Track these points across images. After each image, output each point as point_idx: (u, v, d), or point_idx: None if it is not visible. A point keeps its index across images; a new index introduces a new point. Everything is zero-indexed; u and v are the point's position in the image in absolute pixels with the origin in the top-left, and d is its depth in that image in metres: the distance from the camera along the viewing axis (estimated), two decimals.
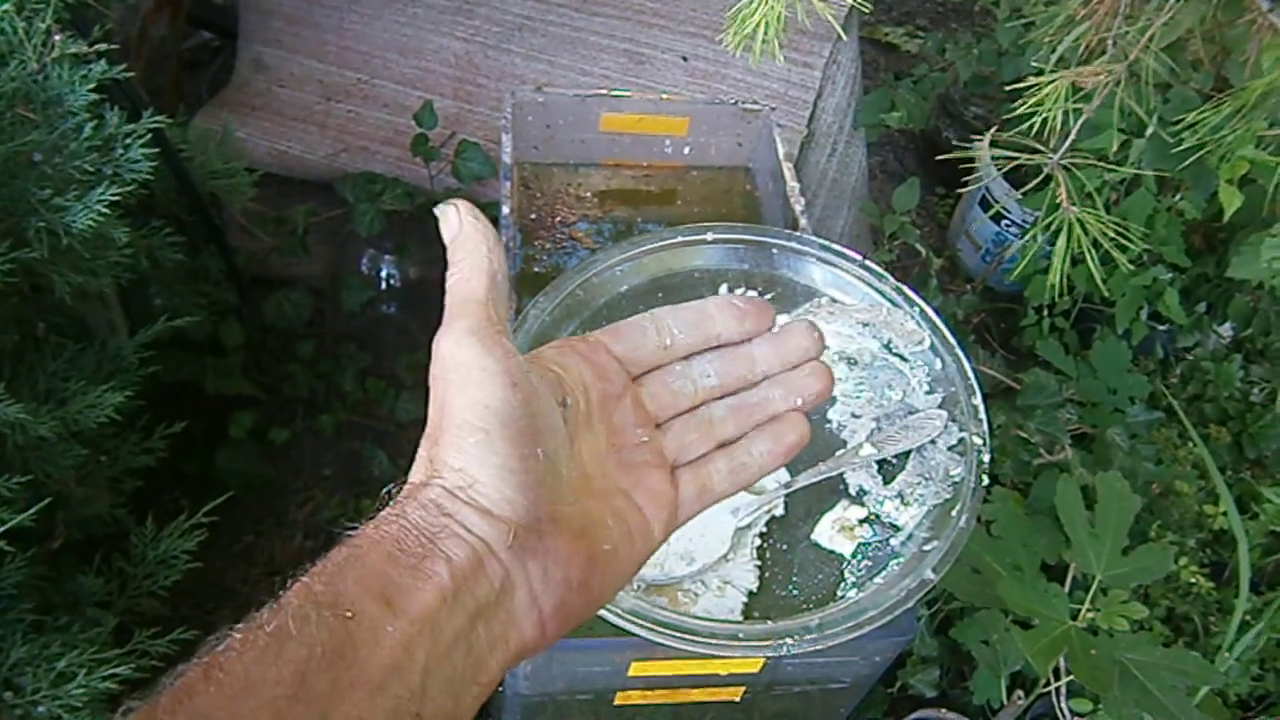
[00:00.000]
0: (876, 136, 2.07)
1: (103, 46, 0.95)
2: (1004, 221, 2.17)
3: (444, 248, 0.51)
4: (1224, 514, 1.41)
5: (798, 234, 0.96)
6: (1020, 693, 1.25)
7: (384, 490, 0.43)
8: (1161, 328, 1.90)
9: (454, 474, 0.41)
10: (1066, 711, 1.41)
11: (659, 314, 0.52)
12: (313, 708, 0.35)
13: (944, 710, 1.56)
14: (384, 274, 1.92)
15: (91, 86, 0.91)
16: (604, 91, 1.12)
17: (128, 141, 0.94)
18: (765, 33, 0.86)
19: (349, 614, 0.37)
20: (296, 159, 1.92)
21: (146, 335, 1.19)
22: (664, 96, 1.10)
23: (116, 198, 0.91)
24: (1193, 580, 1.39)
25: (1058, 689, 1.36)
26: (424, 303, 2.01)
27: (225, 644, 0.36)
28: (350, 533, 0.40)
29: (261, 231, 1.59)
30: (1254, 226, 1.61)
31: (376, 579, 0.38)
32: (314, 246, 1.87)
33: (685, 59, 1.84)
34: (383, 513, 0.41)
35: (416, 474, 0.43)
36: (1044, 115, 0.90)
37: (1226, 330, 1.97)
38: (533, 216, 1.12)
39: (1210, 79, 1.64)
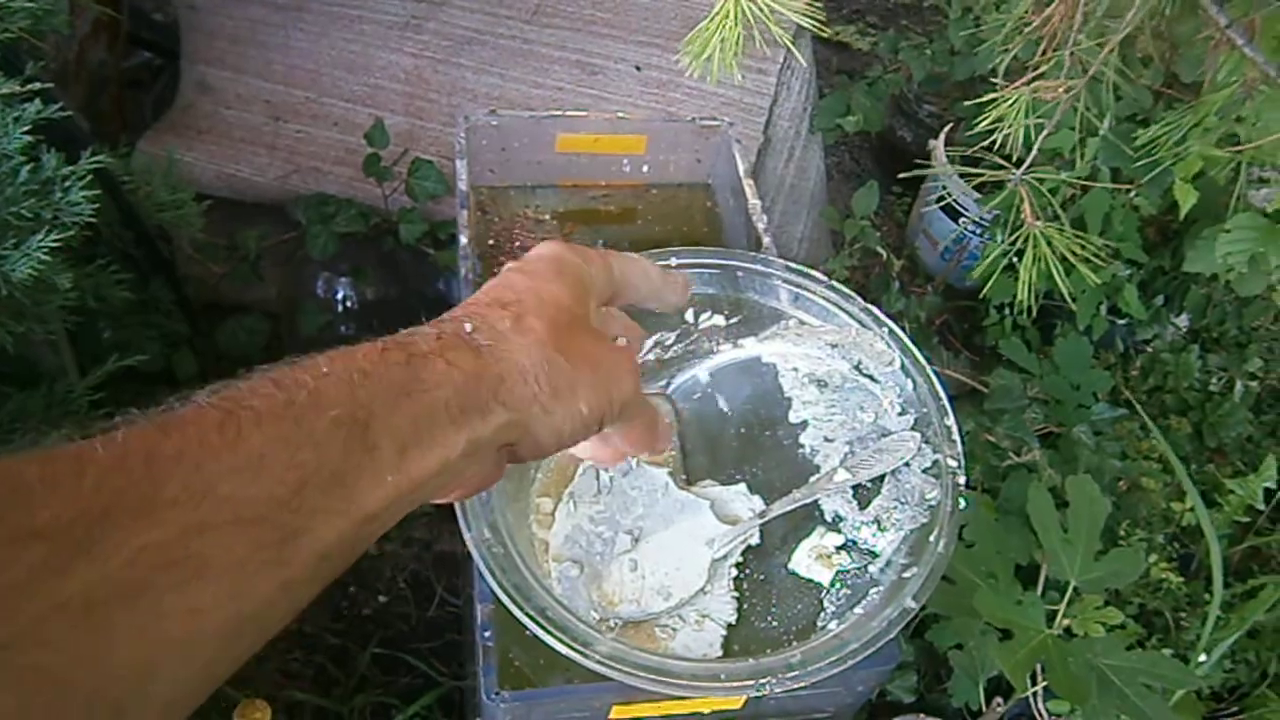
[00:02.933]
0: (831, 140, 2.06)
1: (36, 85, 0.91)
2: (961, 219, 2.17)
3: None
4: (1191, 509, 1.42)
5: (763, 256, 0.95)
6: (999, 699, 1.25)
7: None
8: (1121, 322, 1.91)
9: None
10: (1044, 713, 1.41)
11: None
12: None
13: (923, 715, 1.56)
14: (340, 296, 1.89)
15: (25, 129, 0.88)
16: (559, 112, 1.10)
17: (67, 184, 0.91)
18: (722, 53, 0.85)
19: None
20: (246, 182, 1.88)
21: (97, 375, 1.15)
22: (620, 115, 1.08)
23: (57, 243, 0.88)
24: (1163, 577, 1.40)
25: (1035, 692, 1.36)
26: (382, 323, 1.97)
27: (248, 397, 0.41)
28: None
29: (212, 259, 1.55)
30: (1207, 220, 1.63)
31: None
32: (267, 270, 1.84)
33: (638, 69, 1.82)
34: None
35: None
36: (1004, 131, 0.90)
37: (1184, 321, 1.99)
38: (491, 242, 1.09)
39: (1160, 75, 1.66)
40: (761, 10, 0.75)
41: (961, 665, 1.34)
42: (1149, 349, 1.93)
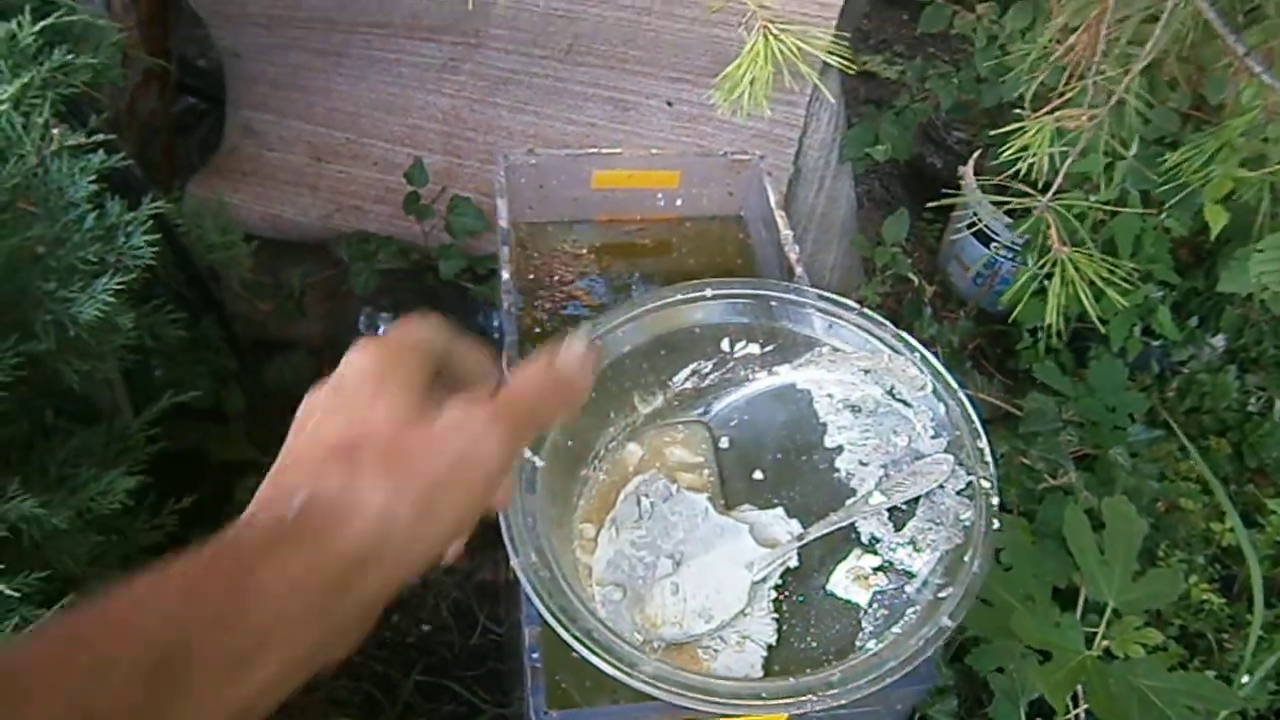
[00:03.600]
0: (862, 169, 2.09)
1: (100, 137, 0.96)
2: (992, 244, 2.18)
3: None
4: (1231, 530, 1.42)
5: (795, 285, 0.97)
6: None
7: None
8: (1155, 343, 1.91)
9: None
10: None
11: None
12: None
13: None
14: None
15: (92, 178, 0.93)
16: (594, 150, 1.14)
17: (129, 229, 0.96)
18: (752, 91, 0.88)
19: None
20: (290, 222, 1.94)
21: (152, 412, 1.19)
22: (654, 151, 1.12)
23: (121, 286, 0.92)
24: (1204, 598, 1.39)
25: (1076, 715, 1.36)
26: None
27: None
28: None
29: (259, 297, 1.60)
30: (1240, 240, 1.63)
31: None
32: (311, 307, 1.89)
33: (670, 104, 1.86)
34: None
35: None
36: (1029, 160, 0.92)
37: (1220, 342, 1.99)
38: (530, 277, 1.13)
39: (1188, 98, 1.67)
40: (790, 50, 0.78)
41: (1002, 689, 1.35)
42: (1185, 370, 1.93)
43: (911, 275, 1.89)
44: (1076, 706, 1.33)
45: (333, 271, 1.91)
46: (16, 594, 0.78)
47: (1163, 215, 1.73)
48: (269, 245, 1.88)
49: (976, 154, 2.22)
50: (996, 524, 0.80)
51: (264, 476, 0.54)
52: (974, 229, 2.21)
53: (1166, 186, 1.49)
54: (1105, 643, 1.12)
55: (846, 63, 0.80)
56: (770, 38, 0.78)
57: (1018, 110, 1.98)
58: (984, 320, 2.20)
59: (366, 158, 1.97)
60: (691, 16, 1.73)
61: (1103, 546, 1.17)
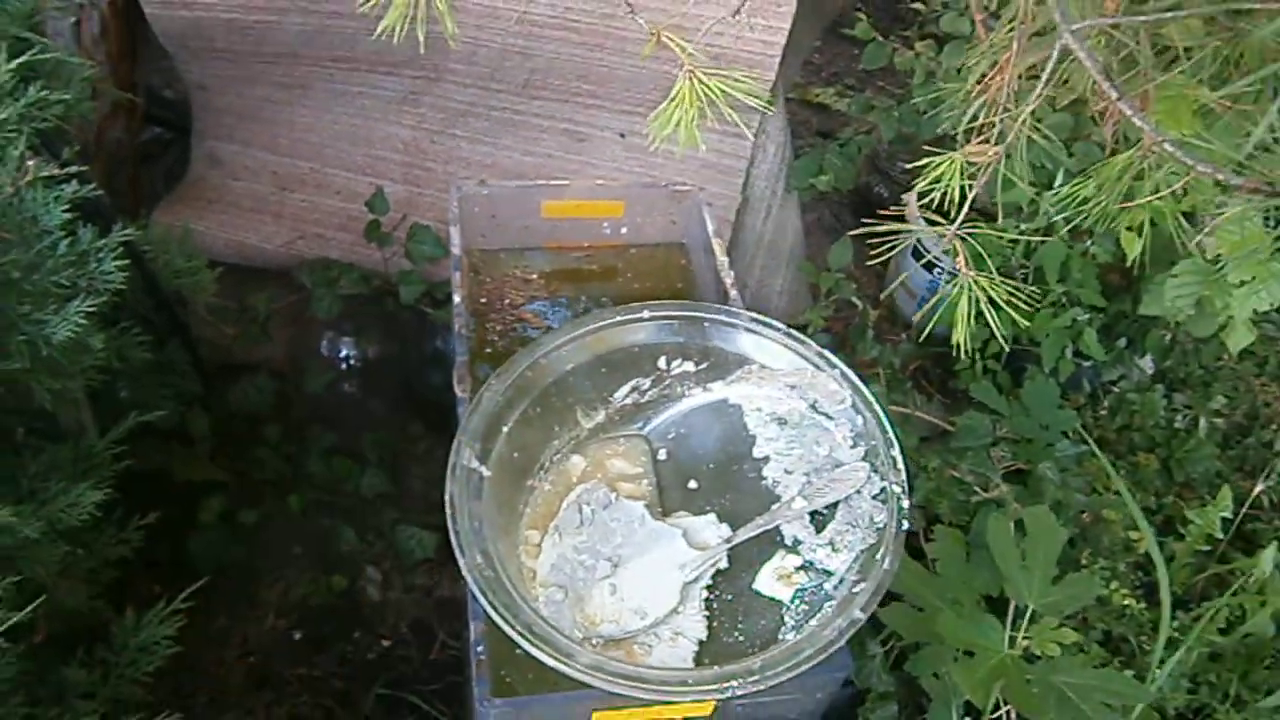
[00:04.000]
0: (810, 197, 2.17)
1: (73, 168, 1.02)
2: (936, 270, 2.28)
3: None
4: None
5: (728, 308, 1.05)
6: None
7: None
8: (1087, 364, 2.00)
9: None
10: None
11: None
12: None
13: None
14: (343, 355, 1.99)
15: (65, 207, 0.98)
16: (544, 181, 1.21)
17: (100, 255, 1.01)
18: (685, 128, 0.95)
19: None
20: (254, 249, 2.00)
21: (119, 431, 1.24)
22: (599, 182, 1.19)
23: (92, 309, 0.98)
24: (1125, 603, 1.47)
25: (1006, 713, 1.43)
26: (383, 380, 2.07)
27: None
28: None
29: (224, 321, 1.65)
30: (1162, 266, 1.73)
31: None
32: (274, 332, 1.94)
33: (623, 135, 1.94)
34: None
35: None
36: (941, 189, 1.00)
37: (1148, 363, 2.09)
38: (483, 300, 1.19)
39: (1112, 132, 1.77)
40: (714, 92, 0.86)
41: (936, 692, 1.41)
42: (1116, 389, 2.02)
43: (855, 300, 1.98)
44: (1005, 705, 1.40)
45: (296, 297, 1.96)
46: None
47: (1089, 243, 1.83)
48: (233, 271, 1.93)
49: (917, 187, 2.31)
50: (907, 524, 0.87)
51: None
52: (921, 259, 2.30)
53: (1087, 218, 1.58)
54: (1025, 643, 1.19)
55: (768, 107, 0.88)
56: (695, 81, 0.86)
57: (955, 141, 2.08)
58: (930, 343, 2.29)
59: (329, 187, 2.03)
60: (641, 52, 1.81)
61: (1024, 553, 1.25)
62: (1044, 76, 0.91)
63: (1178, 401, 2.02)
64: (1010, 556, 1.24)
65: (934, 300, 2.28)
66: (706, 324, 1.02)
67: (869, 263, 2.52)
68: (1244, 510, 1.78)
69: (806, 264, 2.03)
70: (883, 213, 1.61)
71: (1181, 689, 1.43)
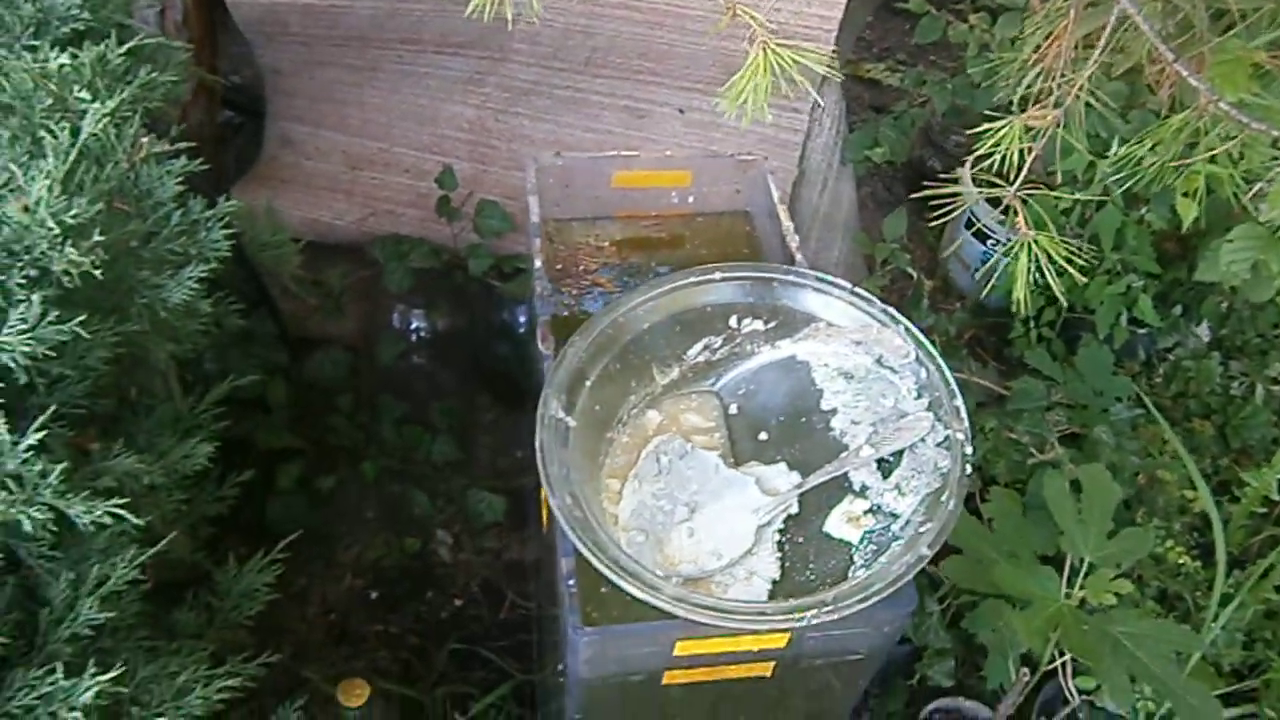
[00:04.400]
0: (864, 170, 2.21)
1: (183, 145, 1.10)
2: (989, 241, 2.30)
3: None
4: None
5: (795, 268, 1.10)
6: (1025, 670, 1.36)
7: None
8: (1142, 331, 2.03)
9: None
10: (1073, 690, 1.52)
11: None
12: None
13: (960, 698, 1.67)
14: (414, 327, 2.07)
15: (178, 180, 1.06)
16: (614, 153, 1.27)
17: (209, 225, 1.09)
18: (755, 99, 1.00)
19: None
20: (327, 226, 2.08)
21: (218, 393, 1.33)
22: (668, 153, 1.24)
23: (204, 274, 1.05)
24: (1180, 561, 1.50)
25: (1062, 665, 1.47)
26: (452, 352, 2.15)
27: None
28: None
29: (306, 294, 1.73)
30: (1218, 231, 1.75)
31: None
32: (348, 306, 2.02)
33: (682, 111, 1.99)
34: None
35: None
36: (1002, 153, 1.04)
37: (1204, 330, 2.10)
38: (558, 267, 1.25)
39: (1169, 99, 1.79)
40: (786, 62, 0.91)
41: (994, 644, 1.46)
42: (1171, 357, 2.04)
43: (910, 270, 2.01)
44: (1061, 657, 1.45)
45: (368, 272, 2.04)
46: (126, 535, 0.91)
47: (1144, 210, 1.85)
48: (308, 248, 2.00)
49: (973, 155, 2.34)
50: (969, 469, 0.92)
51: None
52: (973, 228, 2.33)
53: (1146, 182, 1.61)
54: (1081, 593, 1.23)
55: (835, 71, 0.93)
56: (769, 51, 0.91)
57: (1012, 113, 2.10)
58: (984, 314, 2.32)
59: (398, 165, 2.11)
60: (700, 30, 1.85)
61: (1080, 509, 1.29)
62: (1101, 43, 0.95)
63: (1234, 369, 2.04)
64: (1067, 511, 1.28)
65: (986, 269, 2.31)
66: (775, 284, 1.08)
67: (924, 233, 2.56)
68: None
69: (862, 235, 2.07)
70: (940, 179, 1.64)
71: (1236, 644, 1.46)
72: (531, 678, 1.79)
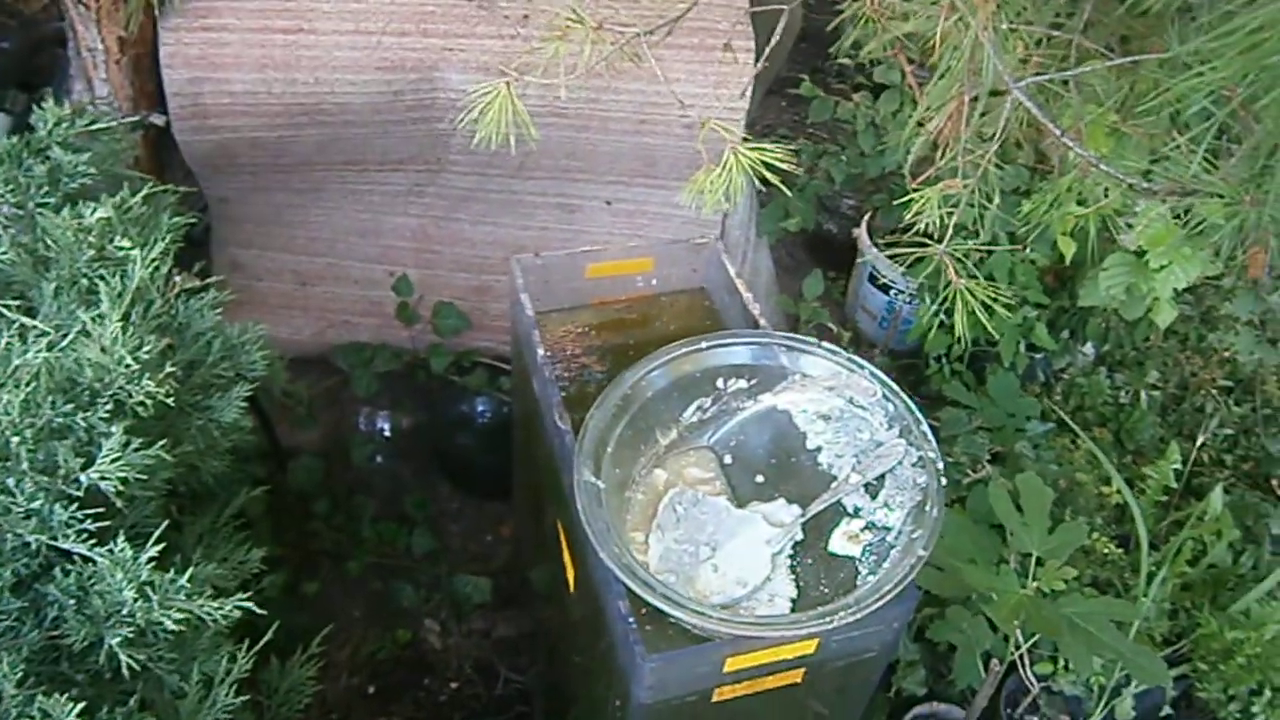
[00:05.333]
0: (774, 239, 2.43)
1: (213, 279, 1.22)
2: (892, 291, 2.54)
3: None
4: (1118, 492, 1.76)
5: (767, 332, 1.28)
6: (996, 661, 1.54)
7: None
8: (1038, 355, 2.28)
9: None
10: (1032, 679, 1.71)
11: None
12: None
13: (935, 703, 1.84)
14: (379, 428, 2.17)
15: (217, 311, 1.18)
16: (587, 248, 1.43)
17: (246, 348, 1.21)
18: (711, 195, 1.18)
19: None
20: (286, 341, 2.17)
21: (234, 506, 1.42)
22: (633, 245, 1.42)
23: (250, 393, 1.17)
24: (1106, 551, 1.72)
25: (1020, 658, 1.66)
26: (415, 447, 2.25)
27: None
28: None
29: (298, 404, 1.83)
30: (1090, 263, 2.01)
31: None
32: (317, 414, 2.11)
33: (609, 203, 2.17)
34: None
35: None
36: (926, 220, 1.24)
37: (1089, 349, 2.37)
38: (548, 353, 1.40)
39: (1032, 155, 2.07)
40: (754, 164, 1.09)
41: (962, 644, 1.63)
42: (1065, 376, 2.30)
43: (831, 324, 2.22)
44: (1019, 648, 1.63)
45: (331, 381, 2.15)
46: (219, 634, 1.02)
47: (1027, 250, 2.11)
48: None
49: (867, 217, 2.59)
50: (944, 481, 1.10)
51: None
52: (876, 282, 2.57)
53: (1026, 227, 1.86)
54: (1035, 583, 1.42)
55: (796, 169, 1.12)
56: (738, 156, 1.09)
57: (896, 178, 2.36)
58: (895, 357, 2.55)
59: (347, 277, 2.23)
60: (622, 129, 2.05)
61: (1021, 510, 1.48)
62: (1000, 124, 1.17)
63: (1119, 380, 2.30)
64: (1011, 515, 1.48)
65: (894, 319, 2.55)
66: (754, 348, 1.25)
67: (830, 290, 2.79)
68: (1189, 468, 2.05)
69: (784, 297, 2.28)
70: (838, 242, 1.82)
71: (1164, 615, 1.68)
72: None
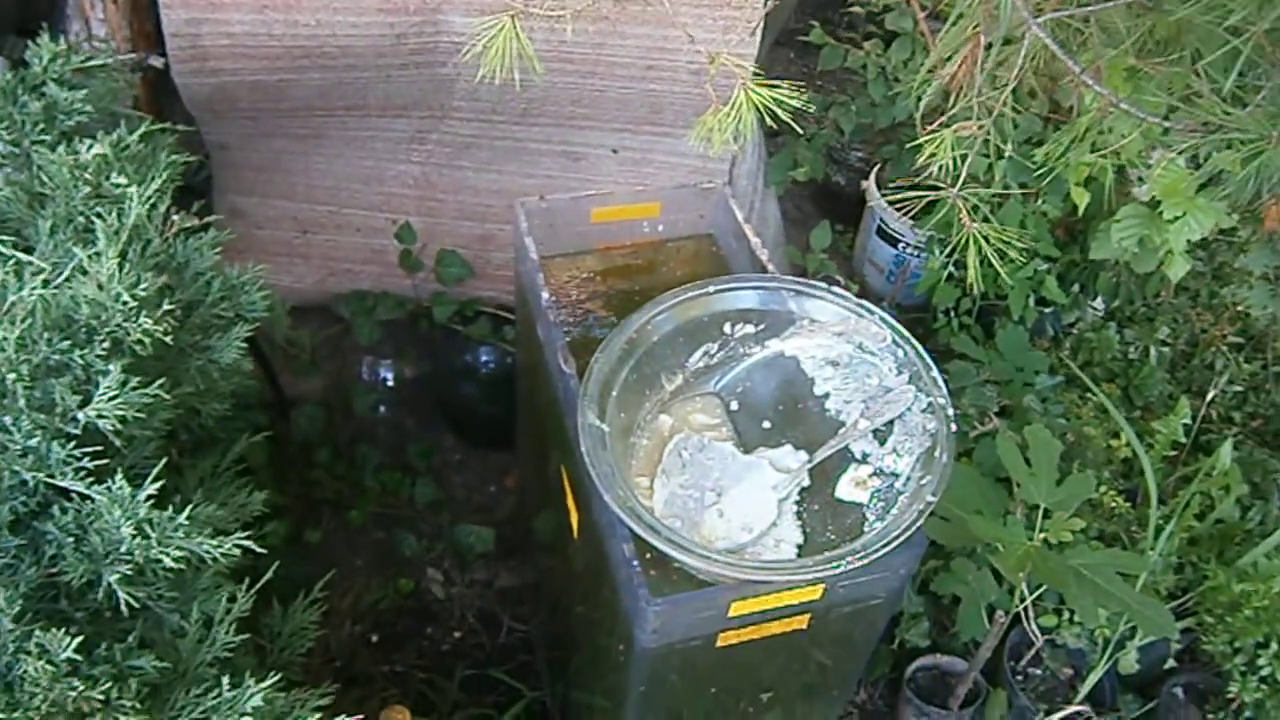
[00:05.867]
0: (782, 190, 2.40)
1: (211, 217, 1.20)
2: (900, 244, 2.52)
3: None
4: (1127, 445, 1.74)
5: (773, 275, 1.25)
6: (1001, 613, 1.53)
7: None
8: (1047, 310, 2.25)
9: None
10: (1036, 631, 1.71)
11: None
12: None
13: (938, 655, 1.84)
14: (382, 377, 2.16)
15: (216, 250, 1.16)
16: (593, 191, 1.41)
17: (246, 288, 1.19)
18: (719, 135, 1.15)
19: None
20: (288, 289, 2.15)
21: (236, 450, 1.41)
22: (639, 189, 1.39)
23: (249, 333, 1.15)
24: (1113, 504, 1.70)
25: (1024, 610, 1.65)
26: (419, 397, 2.24)
27: None
28: None
29: (301, 351, 1.82)
30: (1102, 215, 1.98)
31: None
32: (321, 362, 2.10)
33: (615, 151, 2.14)
34: None
35: None
36: (938, 162, 1.21)
37: (1099, 304, 2.34)
38: (552, 298, 1.38)
39: (1045, 105, 2.03)
40: (766, 102, 1.06)
41: (967, 596, 1.63)
42: (1074, 331, 2.27)
43: (838, 277, 2.20)
44: (1024, 601, 1.62)
45: (333, 329, 2.13)
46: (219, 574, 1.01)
47: (1039, 200, 2.08)
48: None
49: (876, 169, 2.56)
50: (954, 427, 1.08)
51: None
52: (884, 235, 2.54)
53: (1039, 176, 1.83)
54: (1042, 534, 1.41)
55: (808, 108, 1.09)
56: (748, 93, 1.06)
57: (906, 128, 2.32)
58: (902, 310, 2.53)
59: (349, 225, 2.20)
60: (629, 75, 2.01)
61: (1029, 462, 1.47)
62: (1018, 64, 1.14)
63: (1129, 336, 2.28)
64: (1020, 467, 1.46)
65: (902, 272, 2.52)
66: (761, 292, 1.23)
67: (838, 243, 2.76)
68: (1197, 424, 2.04)
69: (791, 249, 2.25)
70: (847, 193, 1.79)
71: (1170, 569, 1.67)
72: (540, 695, 1.88)
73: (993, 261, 1.26)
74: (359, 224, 2.20)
